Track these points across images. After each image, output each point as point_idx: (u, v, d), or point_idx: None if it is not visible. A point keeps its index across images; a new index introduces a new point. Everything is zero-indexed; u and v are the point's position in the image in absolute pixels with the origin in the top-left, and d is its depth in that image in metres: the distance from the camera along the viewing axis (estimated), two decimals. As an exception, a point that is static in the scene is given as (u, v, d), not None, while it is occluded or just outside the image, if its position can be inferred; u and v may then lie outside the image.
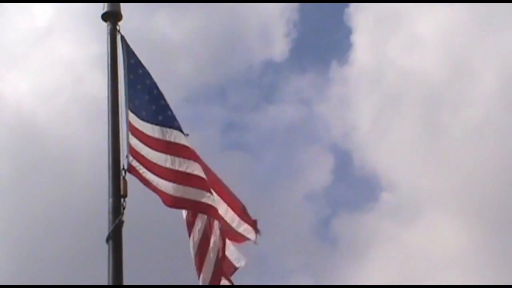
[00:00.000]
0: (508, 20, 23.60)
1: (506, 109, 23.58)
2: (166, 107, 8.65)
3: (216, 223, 8.55)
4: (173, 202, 8.33)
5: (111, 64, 8.61)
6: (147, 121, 8.54)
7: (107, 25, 8.75)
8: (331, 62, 27.51)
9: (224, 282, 8.50)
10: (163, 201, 8.33)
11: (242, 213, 8.54)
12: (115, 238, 7.87)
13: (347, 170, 26.41)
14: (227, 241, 8.61)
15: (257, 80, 26.77)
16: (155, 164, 8.39)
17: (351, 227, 24.43)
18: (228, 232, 8.56)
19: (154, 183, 8.31)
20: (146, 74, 8.72)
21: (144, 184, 8.33)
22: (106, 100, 8.51)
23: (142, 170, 8.32)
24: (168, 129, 8.53)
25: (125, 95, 8.56)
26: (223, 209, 8.49)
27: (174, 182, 8.33)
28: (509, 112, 23.66)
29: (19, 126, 21.95)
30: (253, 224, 8.48)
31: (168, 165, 8.40)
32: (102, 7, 8.80)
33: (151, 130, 8.50)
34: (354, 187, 26.81)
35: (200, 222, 8.58)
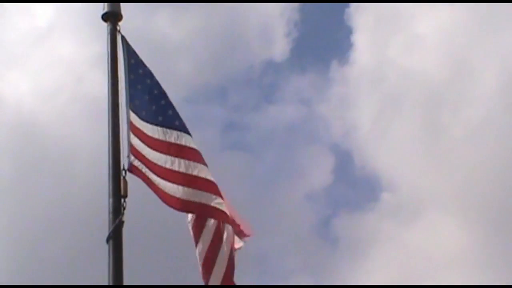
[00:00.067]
0: (508, 20, 23.61)
1: (506, 109, 23.60)
2: (167, 106, 8.62)
3: (225, 227, 8.38)
4: (181, 205, 8.26)
5: (111, 64, 8.60)
6: (147, 121, 8.53)
7: (107, 25, 8.74)
8: (332, 62, 27.53)
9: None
10: (168, 204, 8.26)
11: (236, 216, 8.53)
12: (115, 238, 7.87)
13: (348, 170, 26.44)
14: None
15: (258, 80, 26.79)
16: (155, 164, 8.38)
17: (351, 227, 24.44)
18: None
19: (156, 183, 8.30)
20: (147, 74, 8.70)
21: (147, 184, 8.32)
22: (106, 100, 8.51)
23: (145, 170, 8.32)
24: (168, 130, 8.52)
25: (126, 95, 8.55)
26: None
27: (179, 184, 8.28)
28: (510, 112, 23.67)
29: (19, 126, 21.97)
30: (242, 227, 8.46)
31: (168, 165, 8.38)
32: (102, 7, 8.80)
33: (151, 130, 8.49)
34: (354, 187, 26.83)
35: (209, 227, 8.39)
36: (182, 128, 8.60)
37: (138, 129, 8.45)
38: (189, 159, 8.46)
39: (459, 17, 25.26)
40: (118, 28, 8.72)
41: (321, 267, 23.16)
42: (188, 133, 8.60)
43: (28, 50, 24.30)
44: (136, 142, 8.39)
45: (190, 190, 8.33)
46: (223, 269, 8.27)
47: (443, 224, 23.40)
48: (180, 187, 8.30)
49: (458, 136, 24.01)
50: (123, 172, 8.16)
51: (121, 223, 7.90)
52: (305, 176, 25.83)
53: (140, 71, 8.68)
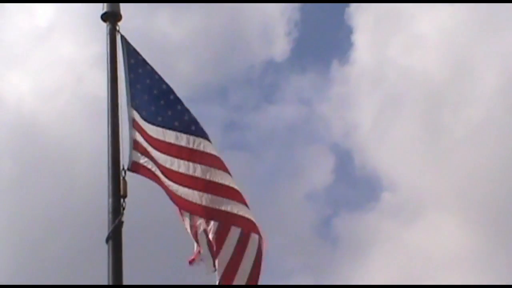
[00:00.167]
0: (509, 19, 23.60)
1: (507, 108, 23.59)
2: (167, 106, 8.59)
3: (250, 236, 8.15)
4: (203, 212, 8.14)
5: (110, 64, 8.59)
6: (147, 121, 8.52)
7: (107, 26, 8.73)
8: (332, 62, 27.56)
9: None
10: (186, 209, 8.19)
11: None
12: (115, 238, 7.86)
13: (348, 170, 26.43)
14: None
15: (258, 80, 26.79)
16: (163, 166, 8.35)
17: (351, 227, 24.44)
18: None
19: (170, 188, 8.24)
20: (147, 73, 8.68)
21: (158, 183, 8.30)
22: (106, 100, 8.50)
23: (154, 169, 8.30)
24: (167, 131, 8.50)
25: (127, 94, 8.54)
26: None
27: (198, 190, 8.22)
28: (510, 112, 23.65)
29: (20, 126, 21.97)
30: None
31: (168, 165, 8.37)
32: (101, 7, 8.79)
33: (151, 130, 8.49)
34: (354, 187, 26.83)
35: (233, 235, 8.13)
36: (184, 129, 8.55)
37: (140, 126, 8.44)
38: (192, 160, 8.38)
39: (460, 17, 25.28)
40: (117, 28, 8.72)
41: (321, 267, 23.16)
42: (197, 135, 8.50)
43: (28, 50, 24.33)
44: (140, 139, 8.39)
45: (213, 197, 8.23)
46: (246, 277, 8.14)
47: (443, 224, 23.42)
48: (201, 193, 8.20)
49: (459, 136, 24.03)
50: (123, 172, 8.15)
51: (121, 223, 7.89)
52: (305, 176, 25.85)
53: (140, 70, 8.66)
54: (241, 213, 8.21)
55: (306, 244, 23.32)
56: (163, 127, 8.50)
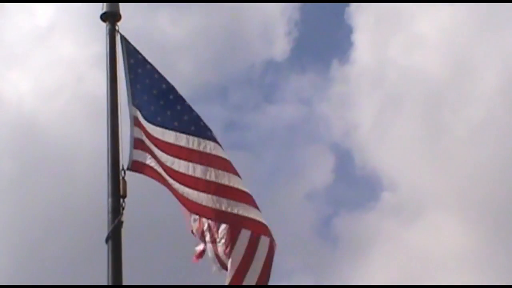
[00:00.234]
0: (509, 19, 23.59)
1: (507, 108, 23.58)
2: (166, 106, 8.56)
3: (260, 238, 8.12)
4: (213, 214, 8.11)
5: (110, 64, 8.58)
6: (148, 120, 8.52)
7: (106, 25, 8.72)
8: (332, 62, 27.53)
9: None
10: (195, 212, 8.15)
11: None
12: (114, 238, 7.85)
13: (348, 170, 26.44)
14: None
15: (258, 80, 26.79)
16: (158, 160, 8.35)
17: (352, 227, 24.43)
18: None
19: (177, 189, 8.23)
20: (147, 73, 8.67)
21: (159, 181, 8.29)
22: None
23: (157, 167, 8.29)
24: (166, 130, 8.48)
25: (128, 93, 8.53)
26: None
27: (207, 192, 8.17)
28: (510, 112, 23.65)
29: (20, 126, 21.97)
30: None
31: (169, 164, 8.36)
32: (101, 7, 8.79)
33: (152, 129, 8.48)
34: (355, 187, 26.82)
35: (243, 237, 8.09)
36: (183, 129, 8.54)
37: (143, 126, 8.44)
38: (192, 161, 8.36)
39: (460, 16, 25.27)
40: (117, 28, 8.72)
41: (321, 267, 23.14)
42: (197, 135, 8.47)
43: (28, 49, 24.34)
44: (142, 137, 8.38)
45: (222, 199, 8.19)
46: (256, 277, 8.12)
47: (443, 224, 23.41)
48: (209, 196, 8.17)
49: (459, 136, 24.02)
50: (122, 172, 8.14)
51: (120, 223, 7.89)
52: (305, 176, 25.85)
53: (140, 70, 8.65)
54: (250, 215, 8.17)
55: (306, 244, 23.31)
56: (162, 127, 8.48)
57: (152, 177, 8.42)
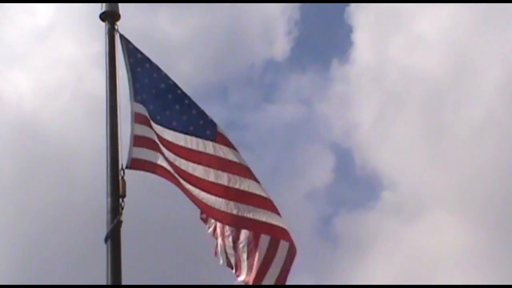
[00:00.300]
0: (509, 19, 23.57)
1: (508, 107, 23.58)
2: (165, 106, 8.57)
3: (281, 243, 8.13)
4: (232, 220, 8.11)
5: (109, 64, 8.58)
6: (150, 118, 8.53)
7: (105, 25, 8.73)
8: (332, 61, 27.50)
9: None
10: (212, 216, 8.17)
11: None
12: (113, 238, 7.85)
13: (348, 169, 26.44)
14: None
15: (258, 79, 26.78)
16: (166, 158, 8.34)
17: (352, 226, 24.43)
18: None
19: (191, 192, 8.24)
20: (146, 73, 8.66)
21: (165, 177, 8.30)
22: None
23: (165, 164, 8.27)
24: (166, 129, 8.48)
25: (130, 90, 8.54)
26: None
27: (224, 198, 8.16)
28: (511, 111, 23.64)
29: (20, 125, 21.97)
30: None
31: (177, 164, 8.36)
32: (100, 7, 8.78)
33: (154, 126, 8.50)
34: (355, 186, 26.82)
35: (264, 243, 8.10)
36: (182, 129, 8.52)
37: (149, 122, 8.43)
38: (192, 160, 8.35)
39: (460, 16, 25.26)
40: (116, 27, 8.72)
41: (321, 267, 23.11)
42: (195, 135, 8.47)
43: (28, 49, 24.36)
44: (146, 133, 8.37)
45: (244, 206, 8.19)
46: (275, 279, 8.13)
47: (444, 223, 23.40)
48: (228, 202, 8.17)
49: (460, 135, 24.01)
50: (122, 172, 8.14)
51: (119, 223, 7.88)
52: (305, 175, 25.85)
53: (139, 69, 8.66)
54: (269, 220, 8.16)
55: (306, 244, 23.23)
56: (161, 125, 8.49)
57: (154, 172, 8.41)
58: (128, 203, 8.00)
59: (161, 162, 8.41)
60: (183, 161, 8.36)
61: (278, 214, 8.25)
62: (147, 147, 8.42)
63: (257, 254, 8.04)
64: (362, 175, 25.71)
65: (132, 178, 8.22)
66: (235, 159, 8.36)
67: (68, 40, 23.95)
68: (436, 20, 25.26)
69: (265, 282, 7.99)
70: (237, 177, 8.24)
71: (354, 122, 26.39)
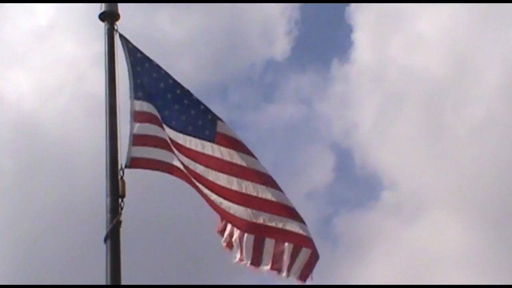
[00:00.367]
0: (510, 19, 23.57)
1: (508, 107, 23.57)
2: (164, 106, 8.56)
3: (301, 250, 8.12)
4: (256, 230, 8.11)
5: (108, 64, 8.58)
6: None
7: (105, 25, 8.74)
8: (332, 61, 27.52)
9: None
10: (231, 222, 8.18)
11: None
12: (113, 238, 7.85)
13: (348, 169, 26.43)
14: None
15: (258, 79, 26.78)
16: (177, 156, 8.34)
17: (352, 226, 24.41)
18: None
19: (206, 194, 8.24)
20: (145, 72, 8.66)
21: (172, 174, 8.32)
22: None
23: (175, 161, 8.28)
24: (166, 128, 8.48)
25: (130, 88, 8.55)
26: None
27: (242, 204, 8.17)
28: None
29: (20, 125, 21.97)
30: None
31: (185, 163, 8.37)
32: (99, 7, 8.78)
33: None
34: (355, 186, 26.80)
35: (284, 250, 8.10)
36: (181, 128, 8.52)
37: (148, 114, 8.42)
38: (205, 165, 8.36)
39: (460, 16, 25.26)
40: (115, 27, 8.72)
41: (321, 266, 23.07)
42: (194, 136, 8.45)
43: (29, 49, 24.36)
44: (150, 131, 8.37)
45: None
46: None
47: (444, 223, 23.39)
48: (248, 210, 8.17)
49: (460, 135, 24.01)
50: (121, 172, 8.14)
51: (119, 223, 7.88)
52: (305, 175, 25.83)
53: (138, 68, 8.66)
54: (288, 227, 8.13)
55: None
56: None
57: (153, 169, 8.42)
58: (127, 203, 8.00)
59: (163, 158, 8.41)
60: (183, 157, 8.38)
61: (278, 215, 8.23)
62: (147, 145, 8.42)
63: (276, 257, 8.05)
64: (362, 175, 25.73)
65: (131, 178, 8.22)
66: (233, 160, 8.35)
67: (68, 40, 23.97)
68: (436, 20, 25.28)
69: (284, 272, 8.00)
70: (234, 179, 8.24)
71: (354, 122, 26.42)
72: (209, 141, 8.42)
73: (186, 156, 8.36)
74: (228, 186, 8.23)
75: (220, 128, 8.47)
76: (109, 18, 8.72)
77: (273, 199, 8.23)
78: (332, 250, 24.27)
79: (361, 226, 24.23)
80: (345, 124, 26.41)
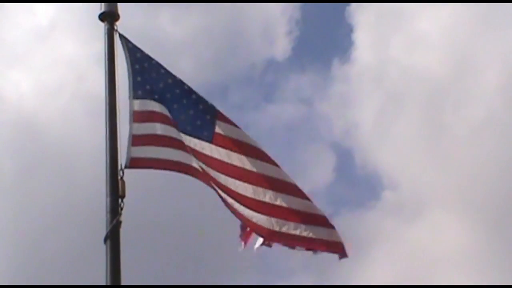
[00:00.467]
0: (510, 18, 23.56)
1: (508, 107, 23.56)
2: (164, 105, 8.57)
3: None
4: (287, 241, 8.37)
5: (108, 64, 8.57)
6: None
7: (104, 25, 8.73)
8: (333, 61, 27.51)
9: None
10: (260, 234, 8.32)
11: None
12: (113, 238, 7.84)
13: (349, 169, 26.42)
14: None
15: (259, 79, 26.79)
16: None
17: (352, 226, 24.33)
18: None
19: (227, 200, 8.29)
20: (144, 72, 8.66)
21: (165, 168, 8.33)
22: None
23: (193, 163, 8.32)
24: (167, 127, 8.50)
25: (129, 88, 8.53)
26: None
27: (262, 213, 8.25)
28: None
29: (21, 125, 21.97)
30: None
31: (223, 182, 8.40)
32: (99, 7, 8.78)
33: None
34: (355, 186, 26.80)
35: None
36: (181, 128, 8.53)
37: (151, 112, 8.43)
38: (210, 167, 8.39)
39: (461, 15, 25.25)
40: (115, 27, 8.72)
41: (321, 266, 23.07)
42: (194, 135, 8.49)
43: (29, 48, 24.36)
44: (154, 129, 8.38)
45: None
46: None
47: (445, 223, 23.39)
48: (270, 219, 8.25)
49: (461, 134, 24.00)
50: (121, 172, 8.13)
51: (119, 223, 7.88)
52: (306, 175, 25.79)
53: (137, 66, 8.65)
54: (310, 235, 8.40)
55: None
56: None
57: (153, 168, 8.42)
58: (127, 203, 7.99)
59: (165, 156, 8.41)
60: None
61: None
62: (147, 145, 8.41)
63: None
64: (363, 175, 25.72)
65: (131, 178, 8.22)
66: (230, 161, 8.37)
67: (68, 40, 23.98)
68: (437, 20, 25.27)
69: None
70: (230, 180, 8.26)
71: (355, 121, 26.41)
72: (207, 141, 8.43)
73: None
74: (228, 186, 8.25)
75: (218, 128, 8.47)
76: (109, 18, 8.71)
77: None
78: (332, 250, 24.23)
79: (362, 226, 24.20)
80: (346, 124, 26.42)
